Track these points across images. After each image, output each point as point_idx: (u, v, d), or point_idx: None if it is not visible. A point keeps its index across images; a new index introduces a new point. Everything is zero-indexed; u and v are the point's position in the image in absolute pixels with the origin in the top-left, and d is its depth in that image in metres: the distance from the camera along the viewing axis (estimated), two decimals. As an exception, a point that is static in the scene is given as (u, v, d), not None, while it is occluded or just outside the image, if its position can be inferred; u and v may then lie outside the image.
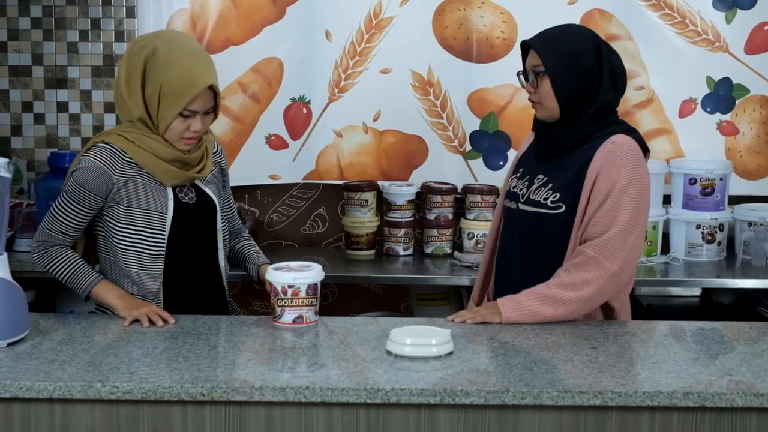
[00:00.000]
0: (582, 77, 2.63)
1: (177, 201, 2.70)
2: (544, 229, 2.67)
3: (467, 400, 2.08)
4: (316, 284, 2.58)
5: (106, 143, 2.65)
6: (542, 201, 2.67)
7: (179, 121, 2.62)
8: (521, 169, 2.81)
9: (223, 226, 2.81)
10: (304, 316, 2.55)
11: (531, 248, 2.72)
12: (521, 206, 2.73)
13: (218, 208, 2.78)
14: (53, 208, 2.68)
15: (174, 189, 2.70)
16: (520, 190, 2.75)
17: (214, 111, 2.68)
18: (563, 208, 2.64)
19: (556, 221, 2.64)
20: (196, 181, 2.75)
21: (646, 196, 2.62)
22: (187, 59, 2.61)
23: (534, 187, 2.71)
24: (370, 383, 2.11)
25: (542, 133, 2.75)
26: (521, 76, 2.74)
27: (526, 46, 2.72)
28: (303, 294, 2.55)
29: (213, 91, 2.63)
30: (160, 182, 2.67)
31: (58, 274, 2.70)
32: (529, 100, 2.74)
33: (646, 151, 2.69)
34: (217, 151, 2.86)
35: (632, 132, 2.70)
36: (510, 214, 2.79)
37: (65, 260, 2.68)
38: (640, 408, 2.09)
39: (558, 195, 2.65)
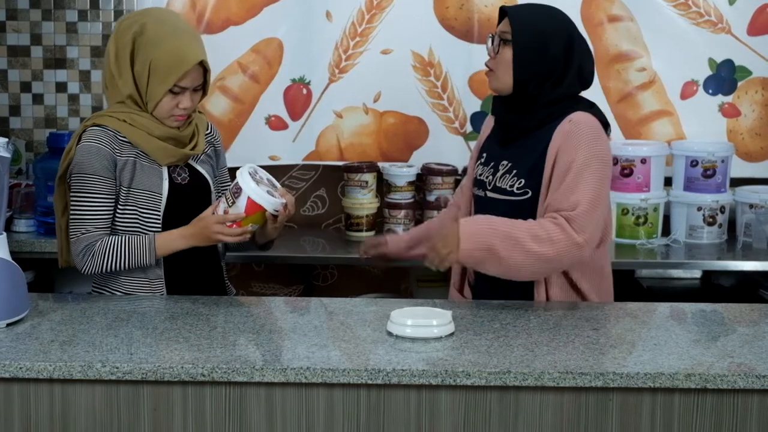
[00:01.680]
0: (544, 60, 2.61)
1: (171, 181, 2.70)
2: (513, 215, 2.62)
3: (468, 381, 2.07)
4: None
5: (99, 125, 2.65)
6: (508, 188, 2.65)
7: (169, 98, 2.62)
8: (485, 155, 2.77)
9: None
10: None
11: None
12: (489, 194, 2.70)
13: (212, 188, 2.79)
14: (74, 213, 2.62)
15: (168, 169, 2.70)
16: (487, 177, 2.72)
17: (203, 88, 2.68)
18: (530, 194, 2.62)
19: (524, 207, 2.62)
20: (190, 161, 2.75)
21: (607, 171, 2.61)
22: (176, 36, 2.62)
23: (499, 174, 2.68)
24: (371, 364, 2.10)
25: (501, 117, 2.73)
26: (489, 39, 2.71)
27: (503, 12, 2.71)
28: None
29: (203, 67, 2.64)
30: (155, 162, 2.67)
31: (116, 265, 2.62)
32: (486, 65, 2.71)
33: (606, 126, 2.67)
34: (210, 131, 2.85)
35: (591, 107, 2.69)
36: (479, 202, 2.75)
37: (113, 249, 2.61)
38: (641, 389, 2.09)
39: (523, 181, 2.63)
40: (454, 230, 2.54)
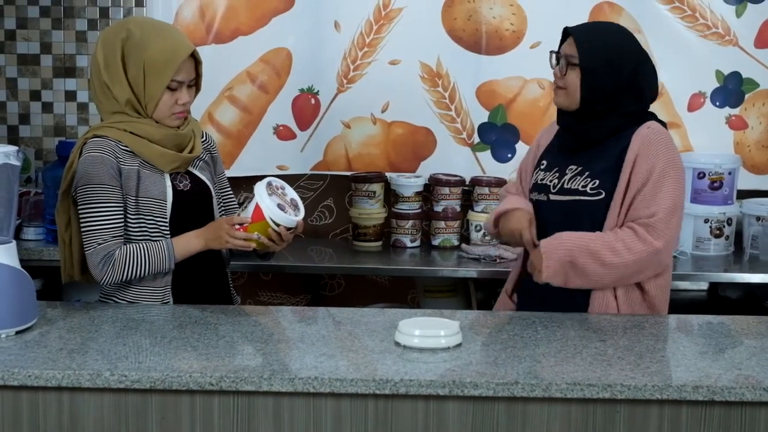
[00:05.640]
0: (613, 82, 2.65)
1: (174, 188, 2.71)
2: (581, 215, 2.68)
3: (476, 392, 2.08)
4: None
5: (100, 136, 2.66)
6: (580, 188, 2.69)
7: (168, 95, 2.65)
8: (545, 162, 2.81)
9: (220, 212, 2.84)
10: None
11: None
12: (552, 197, 2.73)
13: (213, 194, 2.81)
14: (87, 224, 2.60)
15: (169, 176, 2.71)
16: (551, 181, 2.75)
17: (196, 83, 2.72)
18: (603, 194, 2.67)
19: (596, 207, 2.67)
20: (190, 168, 2.77)
21: (683, 177, 2.69)
22: (163, 33, 2.66)
23: (568, 177, 2.72)
24: (379, 374, 2.10)
25: (572, 127, 2.76)
26: (553, 57, 2.74)
27: (566, 32, 2.73)
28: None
29: (194, 61, 2.68)
30: (157, 170, 2.68)
31: (138, 273, 2.62)
32: (554, 83, 2.75)
33: None
34: (205, 139, 2.87)
35: (660, 122, 2.75)
36: (540, 206, 2.79)
37: (134, 258, 2.61)
38: (649, 401, 2.09)
39: (597, 181, 2.67)
40: (538, 253, 2.64)
